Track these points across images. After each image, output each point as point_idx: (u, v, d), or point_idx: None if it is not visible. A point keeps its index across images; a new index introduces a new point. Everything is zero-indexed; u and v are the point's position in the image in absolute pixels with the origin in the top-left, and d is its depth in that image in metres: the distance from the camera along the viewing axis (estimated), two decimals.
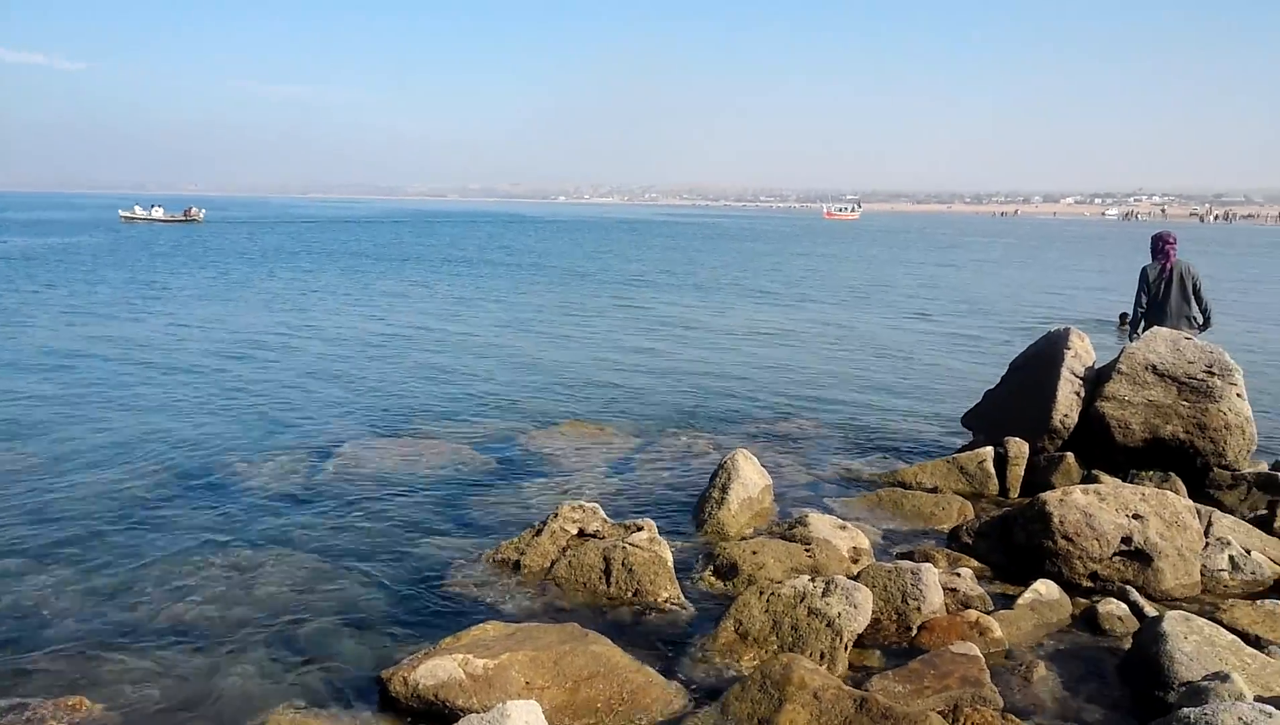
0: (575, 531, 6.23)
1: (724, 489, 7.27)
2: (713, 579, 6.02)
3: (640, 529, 6.18)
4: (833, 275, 35.81)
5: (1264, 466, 8.15)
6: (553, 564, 5.96)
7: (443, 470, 8.69)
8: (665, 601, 5.63)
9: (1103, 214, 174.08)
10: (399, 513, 7.50)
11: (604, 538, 6.11)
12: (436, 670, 4.27)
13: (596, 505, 6.48)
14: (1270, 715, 3.22)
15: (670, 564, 5.91)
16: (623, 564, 5.76)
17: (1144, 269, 9.21)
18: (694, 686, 4.65)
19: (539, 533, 6.20)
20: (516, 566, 6.04)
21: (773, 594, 5.14)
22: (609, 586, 5.74)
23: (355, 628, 5.48)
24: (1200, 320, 9.04)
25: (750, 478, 7.45)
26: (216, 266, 34.60)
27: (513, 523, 7.16)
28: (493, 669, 4.31)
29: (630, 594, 5.68)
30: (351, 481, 8.31)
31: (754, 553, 6.07)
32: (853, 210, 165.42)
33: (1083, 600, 5.72)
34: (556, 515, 6.32)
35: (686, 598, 5.75)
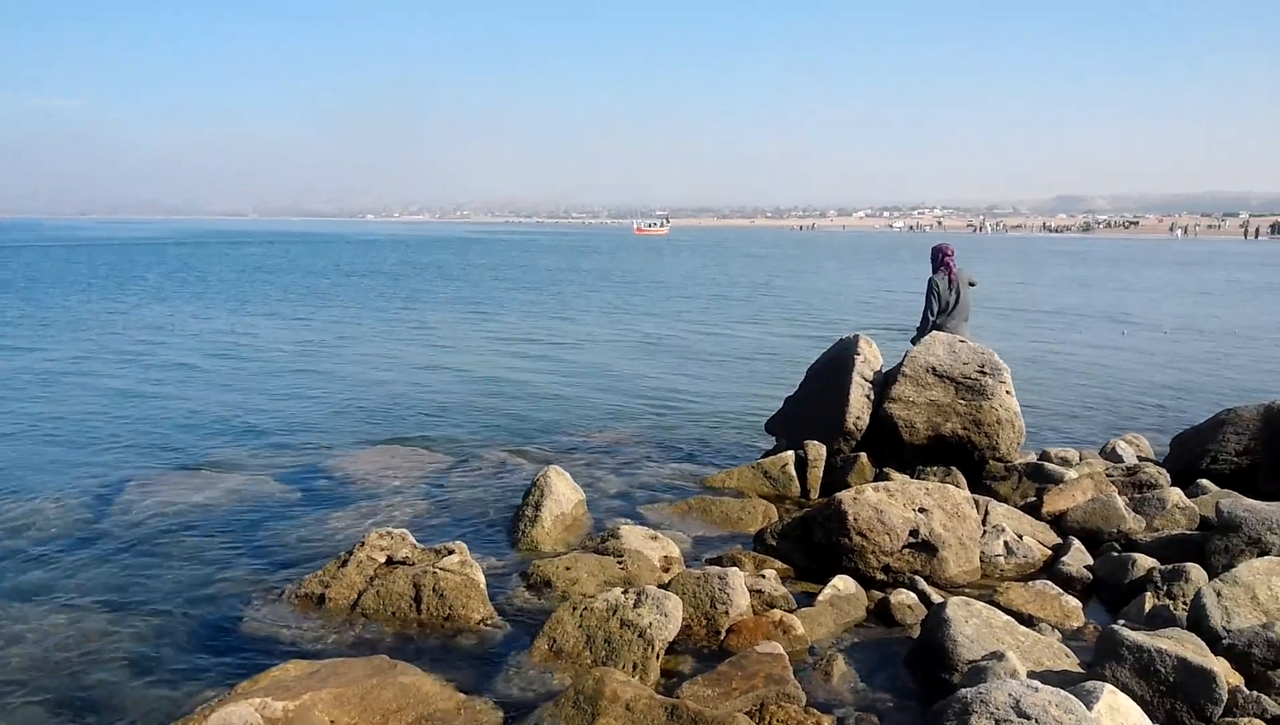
0: (383, 559, 6.05)
1: (537, 506, 7.25)
2: (527, 597, 5.99)
3: (451, 552, 6.07)
4: (642, 287, 36.46)
5: (1033, 457, 8.90)
6: (360, 595, 5.76)
7: (241, 503, 8.24)
8: (479, 624, 5.56)
9: (890, 226, 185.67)
10: (192, 552, 7.05)
11: (414, 564, 5.96)
12: (231, 717, 4.04)
13: (405, 531, 6.32)
14: (1036, 689, 3.52)
15: (483, 586, 5.84)
16: (434, 589, 5.65)
17: (932, 280, 9.86)
18: (509, 707, 4.60)
19: (344, 564, 5.98)
20: (321, 600, 5.79)
21: (585, 608, 5.17)
22: (420, 614, 5.60)
23: (143, 679, 5.10)
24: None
25: (563, 493, 7.47)
26: None
27: (317, 555, 6.87)
28: (293, 711, 4.11)
29: (443, 620, 5.57)
30: (139, 521, 7.74)
31: (567, 568, 6.08)
32: (662, 225, 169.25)
33: (877, 593, 6.06)
34: (363, 544, 6.12)
35: (501, 618, 5.69)
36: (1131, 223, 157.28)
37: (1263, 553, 5.86)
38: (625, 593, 5.27)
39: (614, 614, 5.10)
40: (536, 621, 5.45)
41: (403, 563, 5.99)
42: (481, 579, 5.90)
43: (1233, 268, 51.00)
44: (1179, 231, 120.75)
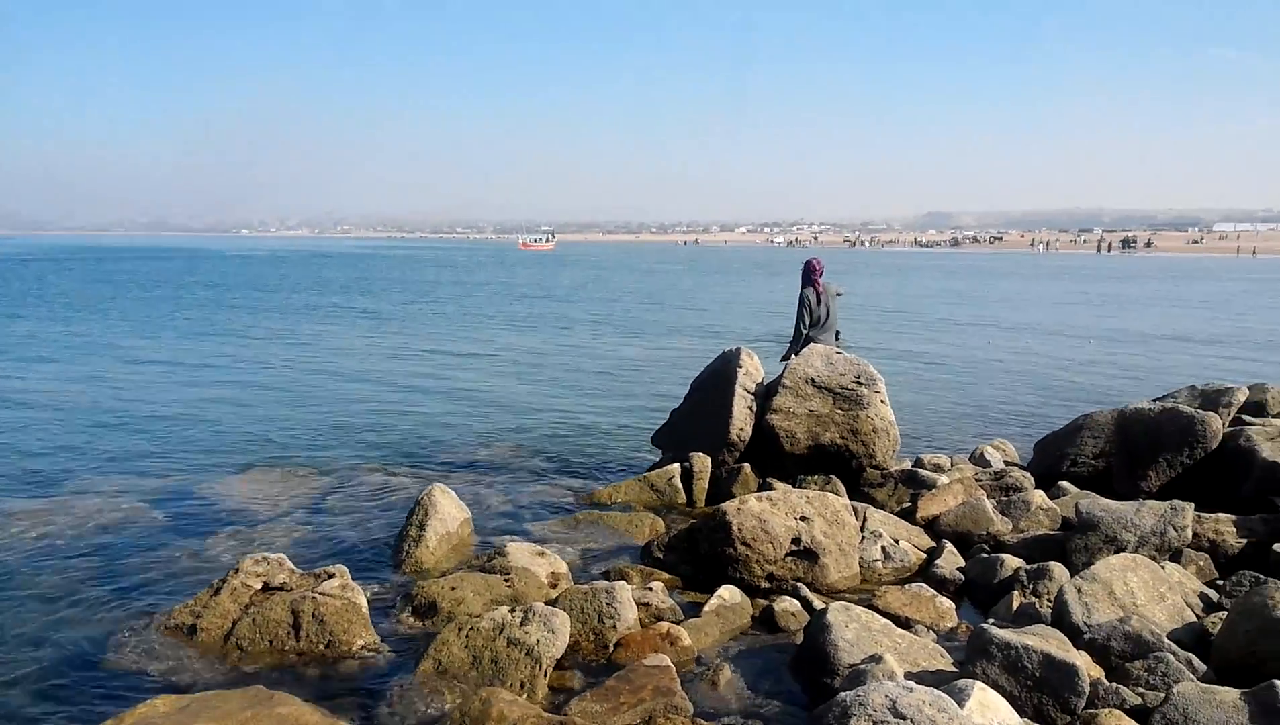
0: (260, 586, 5.83)
1: (421, 526, 7.12)
2: (411, 619, 5.87)
3: (332, 576, 5.91)
4: (527, 302, 36.30)
5: (907, 464, 9.22)
6: (234, 624, 5.54)
7: (105, 531, 7.82)
8: (361, 649, 5.41)
9: (771, 241, 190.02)
10: (52, 584, 6.64)
11: (292, 590, 5.77)
12: None
13: (283, 556, 6.11)
14: (911, 690, 3.64)
15: (366, 610, 5.70)
16: (313, 615, 5.47)
17: (804, 295, 10.11)
18: None
19: (217, 591, 5.74)
20: (193, 631, 5.54)
21: (472, 628, 5.10)
22: (299, 641, 5.42)
23: None
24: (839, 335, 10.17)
25: (448, 512, 7.36)
26: None
27: (189, 584, 6.57)
28: None
29: (323, 647, 5.40)
30: None
31: (453, 588, 5.98)
32: (548, 240, 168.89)
33: (761, 601, 6.17)
34: (238, 570, 5.89)
35: (385, 642, 5.56)
36: (996, 238, 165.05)
37: (1119, 550, 6.22)
38: (512, 611, 5.23)
39: (501, 633, 5.05)
40: (422, 644, 5.34)
41: (280, 589, 5.79)
42: (364, 603, 5.75)
43: (1087, 280, 54.06)
44: (1040, 246, 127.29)
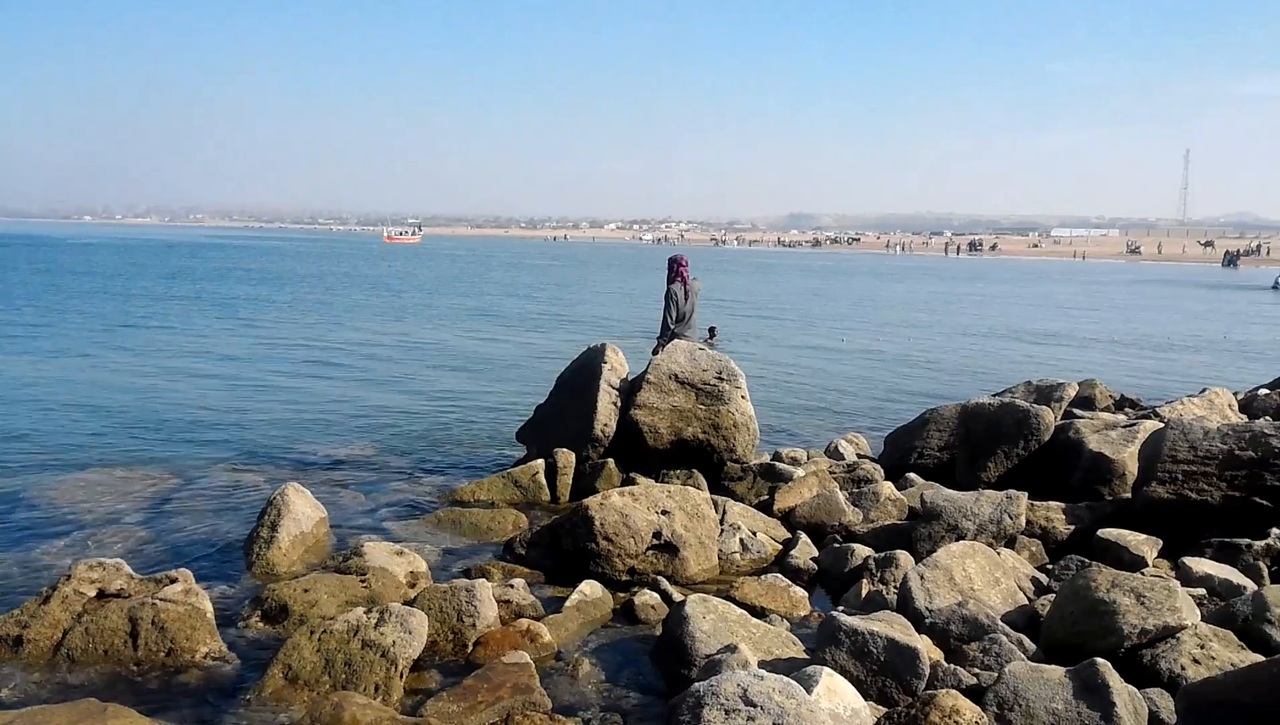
0: (94, 593, 5.50)
1: (273, 527, 6.87)
2: (261, 624, 5.66)
3: (175, 581, 5.62)
4: (389, 296, 35.47)
5: (766, 458, 9.47)
6: (65, 634, 5.21)
7: None
8: (205, 657, 5.18)
9: (639, 238, 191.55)
10: None
11: (130, 596, 5.47)
12: None
13: (120, 561, 5.78)
14: (762, 678, 3.74)
15: (210, 615, 5.45)
16: (153, 622, 5.20)
17: (672, 290, 10.23)
18: None
19: (46, 600, 5.38)
20: (18, 643, 5.18)
21: (325, 631, 4.96)
22: (137, 650, 5.14)
23: None
24: (707, 332, 10.35)
25: (303, 511, 7.12)
26: None
27: (17, 593, 6.15)
28: None
29: (164, 655, 5.14)
30: None
31: (306, 590, 5.79)
32: (414, 233, 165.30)
33: (623, 595, 6.22)
34: (69, 577, 5.54)
35: (232, 649, 5.34)
36: (854, 239, 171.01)
37: (960, 537, 6.55)
38: (368, 612, 5.10)
39: (355, 635, 4.92)
40: (271, 650, 5.16)
41: (117, 595, 5.48)
42: (209, 608, 5.50)
43: (935, 280, 56.68)
44: (896, 248, 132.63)
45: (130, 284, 39.34)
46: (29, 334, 21.11)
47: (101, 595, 5.47)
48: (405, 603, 5.49)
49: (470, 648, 5.33)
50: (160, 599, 5.33)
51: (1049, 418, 8.50)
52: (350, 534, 7.59)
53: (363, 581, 6.01)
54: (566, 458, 8.69)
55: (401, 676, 4.83)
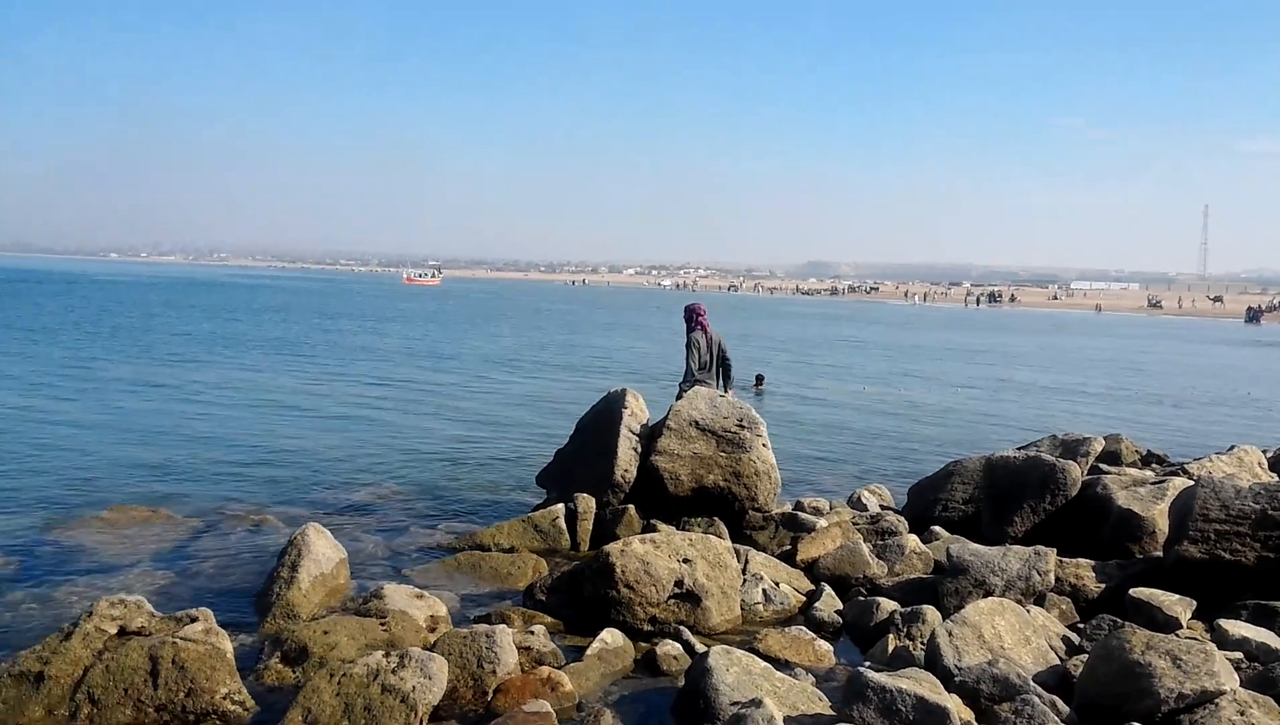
0: (115, 630, 5.47)
1: (293, 567, 6.83)
2: (280, 667, 5.61)
3: (195, 620, 5.60)
4: (408, 338, 35.64)
5: (788, 507, 9.39)
6: (86, 671, 5.18)
7: None
8: (225, 699, 5.13)
9: (658, 284, 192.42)
10: None
11: (151, 634, 5.44)
12: None
13: (141, 598, 5.76)
14: None
15: (231, 656, 5.41)
16: (173, 662, 5.17)
17: (693, 337, 10.32)
18: None
19: (68, 637, 5.36)
20: (39, 679, 5.15)
21: (344, 675, 4.91)
22: (157, 690, 5.10)
23: None
24: (724, 381, 10.40)
25: (323, 552, 7.09)
26: None
27: (36, 631, 6.13)
28: None
29: (183, 695, 5.09)
30: None
31: (325, 632, 5.75)
32: (434, 275, 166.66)
33: (644, 644, 6.14)
34: (91, 614, 5.51)
35: (252, 691, 5.29)
36: (873, 288, 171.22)
37: (987, 593, 6.45)
38: (387, 656, 5.06)
39: (375, 679, 4.87)
40: (289, 692, 5.11)
41: (138, 633, 5.45)
42: (229, 648, 5.47)
43: (955, 330, 56.52)
44: (915, 297, 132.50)
45: (151, 321, 39.73)
46: (53, 371, 21.30)
47: (123, 633, 5.44)
48: (425, 647, 5.44)
49: (490, 695, 5.26)
50: (181, 638, 5.30)
51: (1076, 472, 8.41)
52: (370, 576, 7.56)
53: (383, 625, 5.96)
54: (587, 503, 8.64)
55: (422, 723, 4.77)
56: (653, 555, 6.55)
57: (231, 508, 9.61)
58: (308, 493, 10.49)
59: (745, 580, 7.06)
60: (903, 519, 8.84)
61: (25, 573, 7.48)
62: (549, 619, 6.53)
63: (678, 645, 6.02)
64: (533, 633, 5.98)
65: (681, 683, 5.50)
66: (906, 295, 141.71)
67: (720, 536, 7.93)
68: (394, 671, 4.90)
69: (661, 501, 8.70)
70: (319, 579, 6.89)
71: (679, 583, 6.50)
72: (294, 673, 5.52)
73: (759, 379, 21.92)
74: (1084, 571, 7.13)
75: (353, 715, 4.73)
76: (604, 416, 9.37)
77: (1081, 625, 6.39)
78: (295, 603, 6.62)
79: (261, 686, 5.40)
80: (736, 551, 7.24)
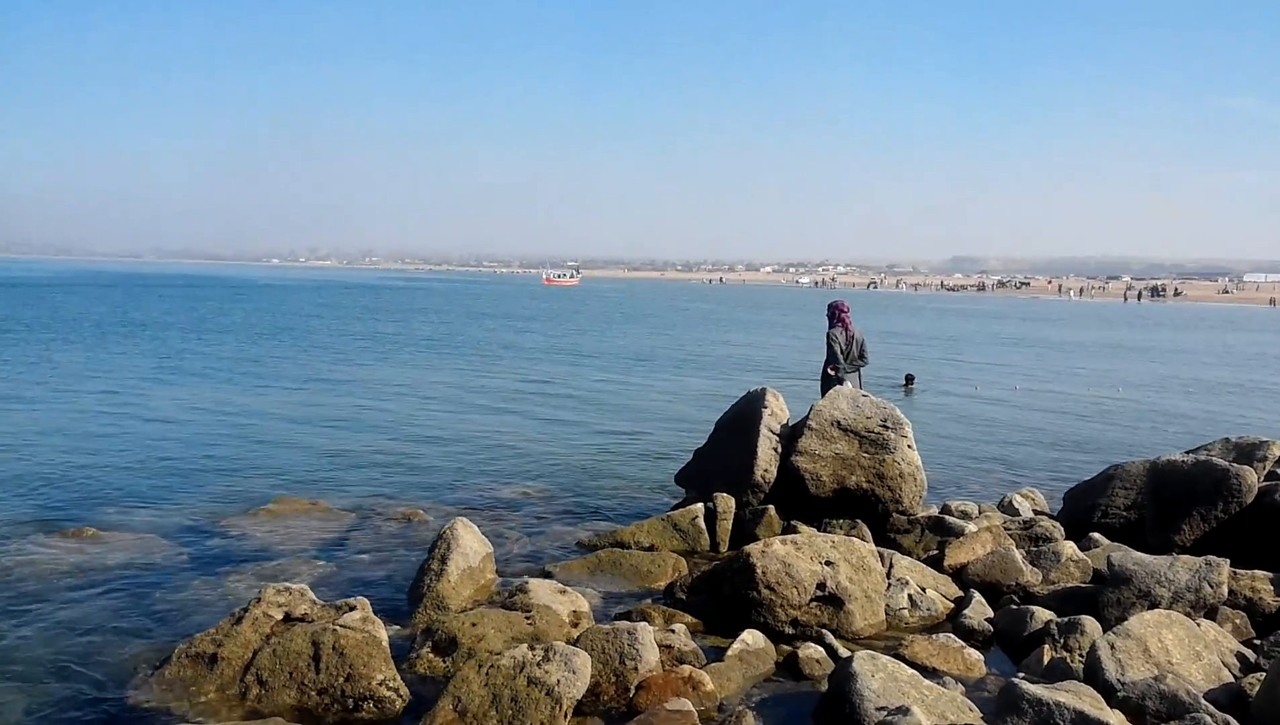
0: (281, 616, 5.80)
1: (443, 560, 7.07)
2: (431, 656, 5.82)
3: (353, 609, 5.87)
4: (549, 337, 36.37)
5: (934, 510, 9.11)
6: (255, 654, 5.50)
7: (128, 565, 7.79)
8: (381, 684, 5.35)
9: (796, 281, 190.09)
10: (75, 616, 6.62)
11: (313, 621, 5.74)
12: None
13: (304, 587, 6.08)
14: None
15: (386, 644, 5.64)
16: (333, 648, 5.43)
17: (832, 334, 10.19)
18: None
19: (239, 621, 5.71)
20: (213, 660, 5.51)
21: (492, 666, 5.05)
22: (319, 674, 5.37)
23: None
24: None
25: (470, 546, 7.30)
26: None
27: (210, 615, 6.55)
28: None
29: (342, 680, 5.35)
30: (17, 585, 7.21)
31: (473, 624, 5.93)
32: (572, 276, 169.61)
33: (785, 647, 6.08)
34: (259, 600, 5.86)
35: (404, 678, 5.51)
36: (1024, 283, 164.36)
37: (1153, 605, 6.09)
38: (533, 649, 5.17)
39: (521, 671, 4.99)
40: (441, 681, 5.29)
41: (301, 619, 5.76)
42: (384, 636, 5.70)
43: (1115, 327, 53.59)
44: (1071, 292, 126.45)
45: (311, 322, 41.90)
46: (229, 368, 22.74)
47: (287, 619, 5.76)
48: (568, 642, 5.53)
49: (632, 692, 5.31)
50: (340, 625, 5.56)
51: (1251, 478, 7.83)
52: (514, 572, 7.74)
53: (527, 618, 6.10)
54: (726, 503, 8.61)
55: (566, 716, 4.86)
56: (794, 557, 6.47)
57: (383, 501, 10.03)
58: (454, 489, 10.85)
59: (890, 584, 6.89)
60: (1058, 525, 8.45)
61: (200, 560, 8.01)
62: (689, 618, 6.54)
63: (820, 649, 5.93)
64: (673, 631, 6.00)
65: (824, 687, 5.42)
66: (1061, 290, 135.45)
67: (863, 539, 7.77)
68: (539, 664, 5.00)
69: (802, 502, 8.59)
70: (467, 572, 7.10)
71: (821, 585, 6.40)
72: (444, 662, 5.70)
73: (909, 378, 21.34)
74: (1261, 584, 6.63)
75: (500, 706, 4.86)
76: (743, 415, 9.32)
77: (1258, 641, 5.95)
78: (445, 594, 6.84)
79: (413, 675, 5.61)
80: (880, 555, 7.07)
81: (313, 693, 5.27)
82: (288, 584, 6.12)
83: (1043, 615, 6.27)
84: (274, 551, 8.24)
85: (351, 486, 10.79)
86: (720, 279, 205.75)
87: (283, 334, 35.00)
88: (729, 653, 5.79)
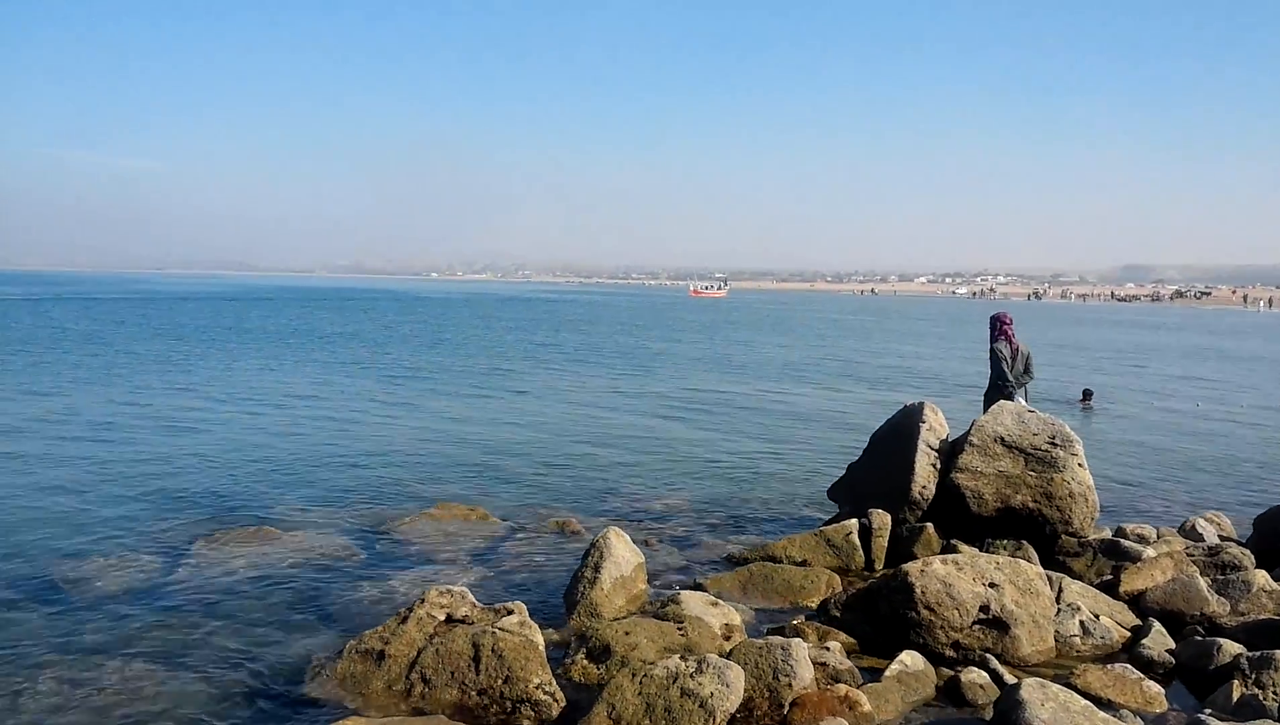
0: (443, 617, 6.02)
1: (596, 568, 7.17)
2: (585, 663, 5.90)
3: (511, 613, 6.03)
4: (697, 347, 36.42)
5: (1107, 533, 8.61)
6: (419, 653, 5.72)
7: (304, 563, 8.27)
8: (537, 688, 5.47)
9: (953, 292, 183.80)
10: (255, 610, 7.07)
11: (473, 623, 5.92)
12: None
13: (465, 589, 6.29)
14: None
15: (542, 648, 5.77)
16: (492, 650, 5.59)
17: (996, 348, 9.83)
18: None
19: (405, 620, 5.96)
20: (381, 657, 5.77)
21: (645, 676, 5.07)
22: (478, 674, 5.54)
23: None
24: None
25: (623, 556, 7.38)
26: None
27: (377, 613, 6.87)
28: None
29: (501, 682, 5.49)
30: (205, 579, 7.78)
31: (627, 633, 5.98)
32: (719, 287, 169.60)
33: (946, 670, 5.86)
34: (423, 601, 6.09)
35: (559, 683, 5.61)
36: (1204, 293, 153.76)
37: None
38: (686, 660, 5.17)
39: (674, 682, 4.99)
40: (595, 688, 5.36)
41: (462, 621, 5.95)
42: (540, 640, 5.83)
43: None
44: (1260, 303, 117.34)
45: (468, 331, 43.41)
46: (394, 385, 23.84)
47: (449, 620, 5.96)
48: (720, 655, 5.50)
49: (785, 709, 5.23)
50: (499, 628, 5.72)
51: None
52: (664, 583, 7.77)
53: (680, 630, 6.11)
54: (882, 519, 8.39)
55: None
56: (955, 577, 6.24)
57: (536, 508, 10.28)
58: (605, 499, 10.99)
59: (1059, 610, 6.54)
60: (1248, 552, 7.82)
61: (368, 560, 8.40)
62: (844, 636, 6.40)
63: (984, 674, 5.69)
64: (828, 649, 5.88)
65: (988, 715, 5.20)
66: (1247, 300, 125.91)
67: (1029, 561, 7.41)
68: (693, 676, 5.00)
69: (962, 521, 8.28)
70: (619, 581, 7.17)
71: (984, 607, 6.14)
72: (598, 669, 5.77)
73: (1086, 394, 20.22)
74: None
75: (654, 716, 4.88)
76: (900, 430, 9.07)
77: None
78: (598, 602, 6.93)
79: (567, 680, 5.70)
80: (1049, 578, 6.73)
81: (473, 693, 5.44)
82: (449, 586, 6.34)
83: (1231, 648, 5.82)
84: (435, 553, 8.56)
85: (507, 493, 11.10)
86: (872, 290, 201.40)
87: (438, 345, 36.39)
88: (886, 674, 5.63)
